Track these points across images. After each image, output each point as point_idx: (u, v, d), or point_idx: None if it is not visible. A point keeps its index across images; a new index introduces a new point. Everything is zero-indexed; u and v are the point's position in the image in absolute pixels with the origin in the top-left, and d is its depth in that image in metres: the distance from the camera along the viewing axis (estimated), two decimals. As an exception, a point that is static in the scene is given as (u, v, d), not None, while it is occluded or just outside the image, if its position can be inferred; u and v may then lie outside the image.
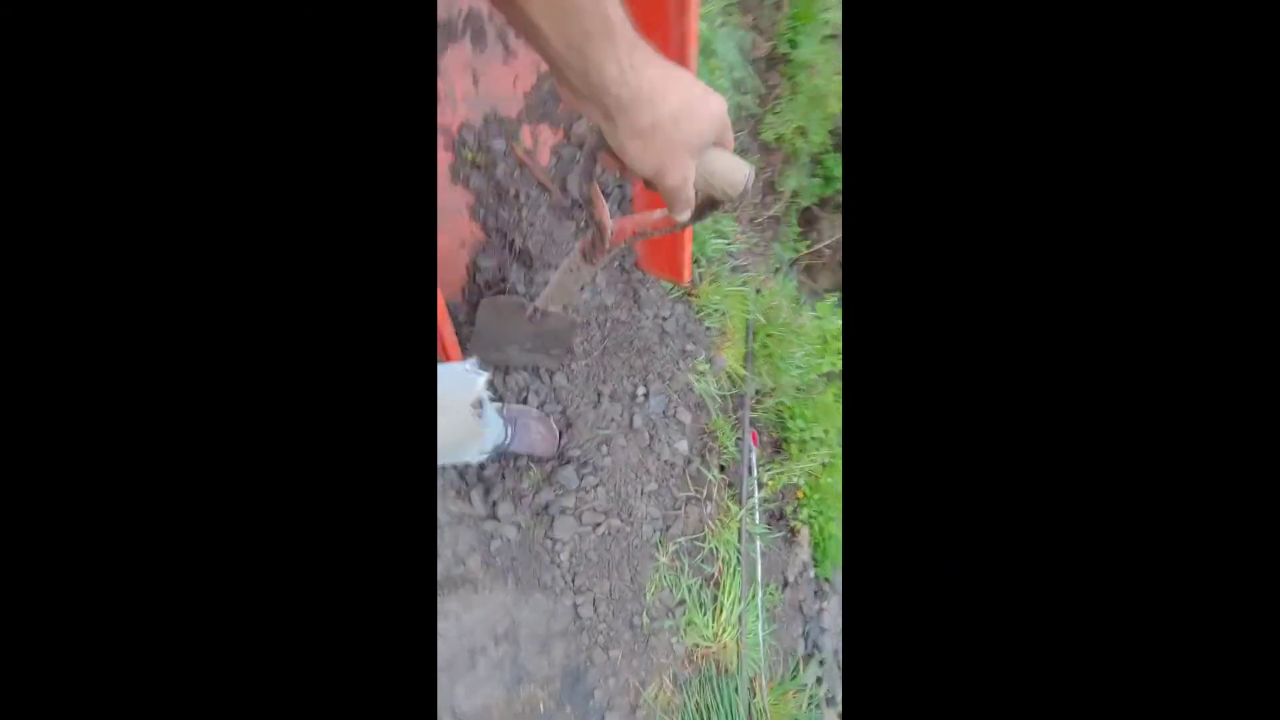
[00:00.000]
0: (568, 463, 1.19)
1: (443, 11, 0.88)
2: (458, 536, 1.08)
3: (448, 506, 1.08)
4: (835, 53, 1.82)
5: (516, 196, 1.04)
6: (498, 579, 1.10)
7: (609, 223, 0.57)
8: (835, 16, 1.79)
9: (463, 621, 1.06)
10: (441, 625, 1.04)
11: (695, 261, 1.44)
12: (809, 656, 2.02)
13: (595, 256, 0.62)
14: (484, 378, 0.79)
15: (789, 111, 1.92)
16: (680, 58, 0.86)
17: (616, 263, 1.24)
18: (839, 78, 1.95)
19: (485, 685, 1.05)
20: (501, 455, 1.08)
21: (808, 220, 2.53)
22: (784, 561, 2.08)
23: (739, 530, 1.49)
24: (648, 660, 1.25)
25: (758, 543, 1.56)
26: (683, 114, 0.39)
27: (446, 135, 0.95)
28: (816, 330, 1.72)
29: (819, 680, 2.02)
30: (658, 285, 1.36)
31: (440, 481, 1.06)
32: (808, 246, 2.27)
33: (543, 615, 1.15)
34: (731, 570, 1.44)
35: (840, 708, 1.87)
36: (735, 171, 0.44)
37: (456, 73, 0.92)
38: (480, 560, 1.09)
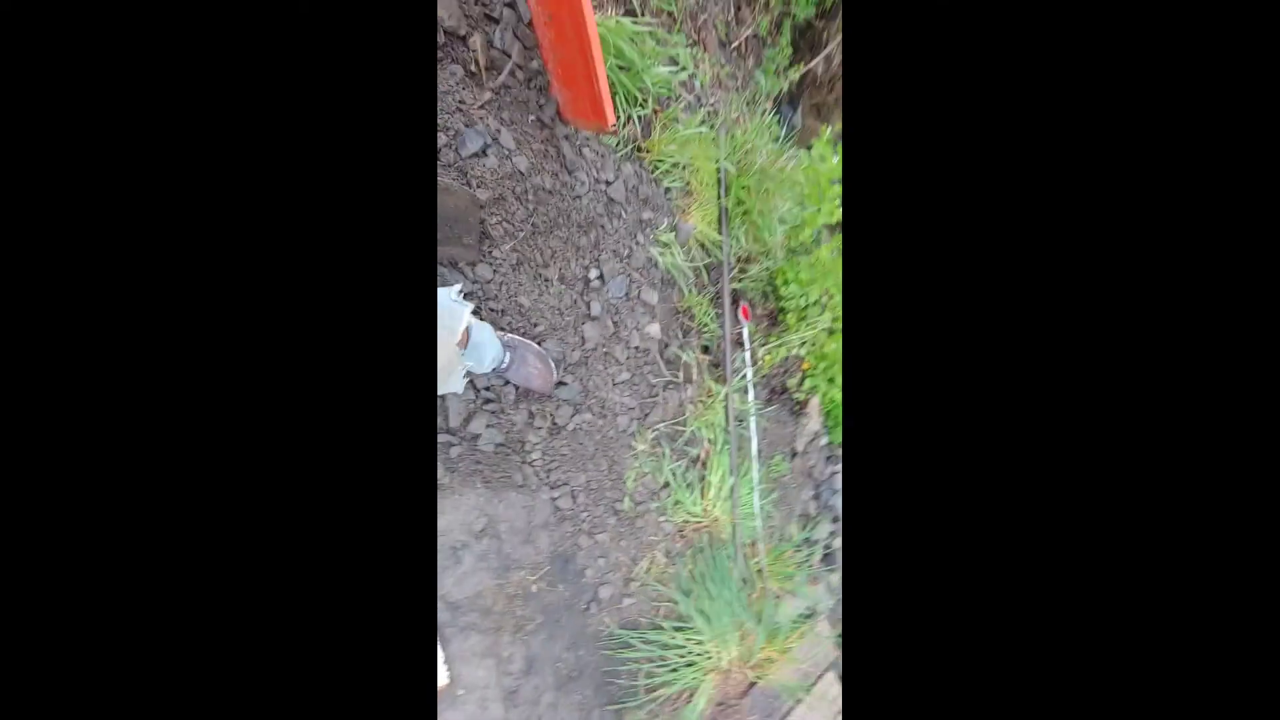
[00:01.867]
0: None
1: None
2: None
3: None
4: None
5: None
6: (465, 483, 1.08)
7: None
8: None
9: (438, 523, 1.07)
10: (415, 530, 1.05)
11: (637, 103, 1.16)
12: (817, 517, 2.08)
13: None
14: (470, 307, 0.76)
15: None
16: None
17: (531, 116, 1.00)
18: None
19: (474, 575, 1.10)
20: (496, 379, 1.04)
21: (804, 35, 2.02)
22: (792, 434, 2.05)
23: (725, 410, 1.41)
24: (636, 540, 1.28)
25: (752, 421, 1.48)
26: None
27: None
28: (809, 175, 1.44)
29: (832, 534, 2.10)
30: (592, 141, 1.12)
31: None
32: (798, 72, 1.84)
33: (521, 511, 1.15)
34: (719, 449, 1.40)
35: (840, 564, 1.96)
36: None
37: None
38: (443, 468, 1.06)
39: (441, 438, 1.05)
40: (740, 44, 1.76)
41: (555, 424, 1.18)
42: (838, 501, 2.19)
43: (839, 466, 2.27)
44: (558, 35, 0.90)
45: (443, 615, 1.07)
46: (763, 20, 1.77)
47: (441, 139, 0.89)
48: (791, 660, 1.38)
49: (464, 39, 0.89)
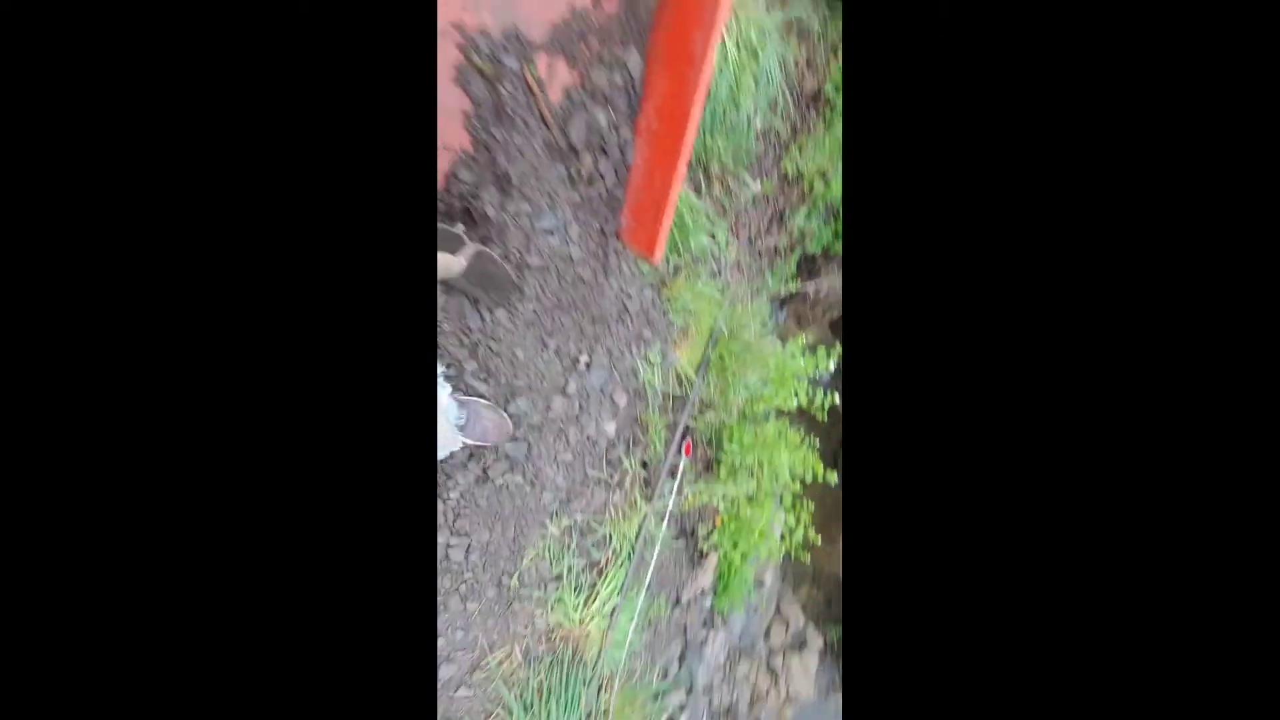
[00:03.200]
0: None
1: None
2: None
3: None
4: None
5: (514, 119, 1.02)
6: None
7: None
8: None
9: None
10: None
11: (676, 253, 1.44)
12: (674, 681, 1.98)
13: None
14: (449, 388, 0.81)
15: (816, 153, 1.95)
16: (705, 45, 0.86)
17: (598, 224, 1.23)
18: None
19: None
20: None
21: (808, 266, 2.57)
22: (681, 580, 2.05)
23: (639, 528, 1.46)
24: (503, 625, 1.21)
25: (656, 547, 1.53)
26: None
27: (463, 34, 0.93)
28: (778, 364, 1.73)
29: (681, 708, 1.99)
30: (631, 262, 1.35)
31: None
32: (797, 288, 2.30)
33: (410, 544, 1.10)
34: (619, 562, 1.42)
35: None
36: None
37: (488, -19, 0.91)
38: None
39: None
40: (762, 248, 2.21)
41: (485, 473, 1.19)
42: (700, 672, 2.12)
43: (710, 635, 2.24)
44: (645, 183, 1.16)
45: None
46: (783, 239, 2.26)
47: (527, 207, 1.07)
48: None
49: (578, 153, 1.14)
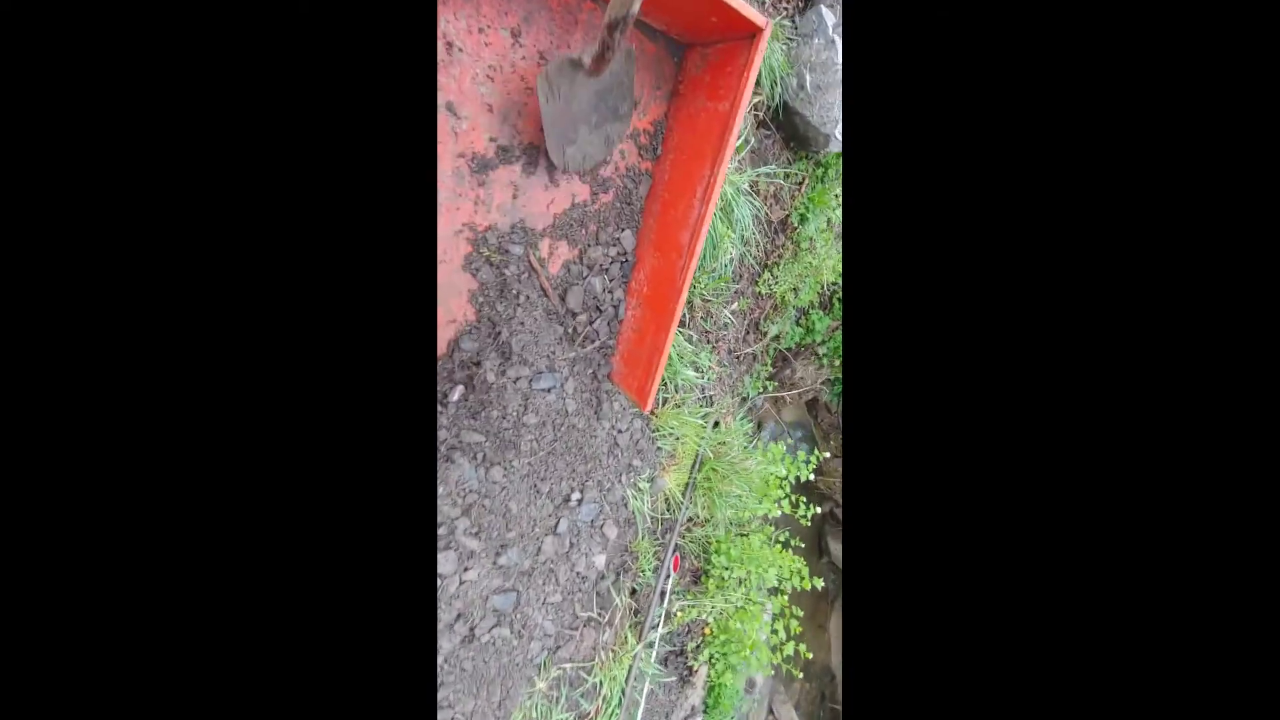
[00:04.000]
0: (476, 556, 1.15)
1: (506, 137, 0.99)
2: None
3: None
4: (835, 242, 2.07)
5: (517, 296, 1.10)
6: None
7: None
8: (837, 216, 2.06)
9: None
10: None
11: (663, 387, 1.52)
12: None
13: None
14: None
15: (786, 274, 2.13)
16: (718, 164, 0.97)
17: (591, 372, 1.30)
18: (834, 258, 2.19)
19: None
20: None
21: (782, 360, 2.73)
22: (672, 702, 1.96)
23: (630, 668, 1.42)
24: (489, 801, 1.13)
25: (646, 683, 1.48)
26: None
27: (474, 231, 1.03)
28: (761, 474, 1.79)
29: None
30: (622, 399, 1.41)
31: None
32: (774, 387, 2.43)
33: (393, 723, 1.04)
34: (609, 713, 1.36)
35: None
36: None
37: (500, 186, 1.02)
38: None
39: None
40: (741, 354, 2.34)
41: (473, 632, 1.16)
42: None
43: (703, 758, 2.11)
44: (637, 339, 1.25)
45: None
46: (759, 345, 2.40)
47: (526, 371, 1.14)
48: None
49: (574, 314, 1.23)
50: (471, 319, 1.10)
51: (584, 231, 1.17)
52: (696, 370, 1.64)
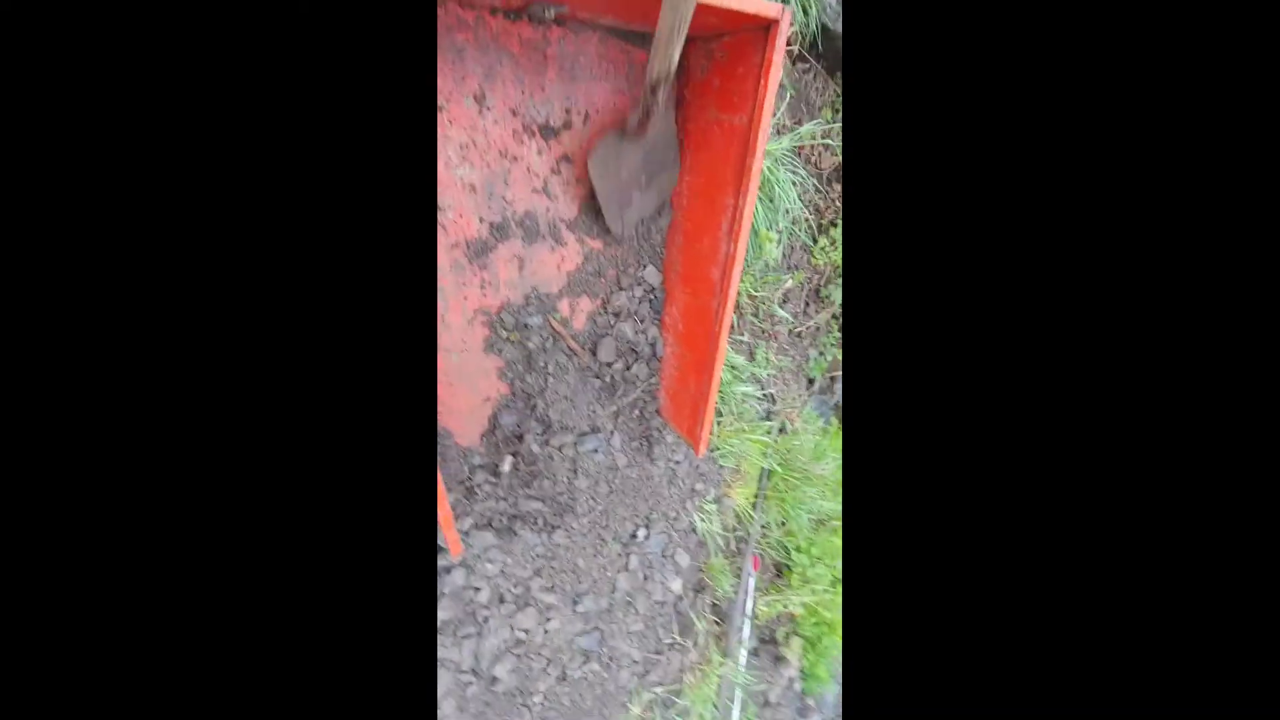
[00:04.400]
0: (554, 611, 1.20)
1: (496, 213, 0.90)
2: (439, 679, 1.10)
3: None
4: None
5: (545, 367, 1.05)
6: (469, 723, 1.12)
7: None
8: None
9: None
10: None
11: (720, 404, 1.42)
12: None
13: None
14: None
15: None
16: (743, 194, 0.84)
17: (636, 412, 1.24)
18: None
19: (439, 830, 1.07)
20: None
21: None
22: (768, 682, 2.03)
23: (718, 685, 1.46)
24: (603, 816, 1.25)
25: (737, 694, 1.52)
26: None
27: (487, 315, 0.97)
28: (835, 475, 1.66)
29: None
30: (674, 432, 1.35)
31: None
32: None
33: (507, 762, 1.16)
34: (705, 728, 1.42)
35: None
36: None
37: (504, 263, 0.94)
38: (454, 704, 1.11)
39: (464, 676, 1.11)
40: (802, 332, 2.13)
41: (565, 672, 1.24)
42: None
43: (806, 724, 2.19)
44: (680, 379, 1.16)
45: None
46: (822, 314, 2.17)
47: (569, 437, 1.10)
48: None
49: (609, 365, 1.15)
50: (505, 393, 1.08)
51: (603, 280, 1.07)
52: (756, 382, 1.52)
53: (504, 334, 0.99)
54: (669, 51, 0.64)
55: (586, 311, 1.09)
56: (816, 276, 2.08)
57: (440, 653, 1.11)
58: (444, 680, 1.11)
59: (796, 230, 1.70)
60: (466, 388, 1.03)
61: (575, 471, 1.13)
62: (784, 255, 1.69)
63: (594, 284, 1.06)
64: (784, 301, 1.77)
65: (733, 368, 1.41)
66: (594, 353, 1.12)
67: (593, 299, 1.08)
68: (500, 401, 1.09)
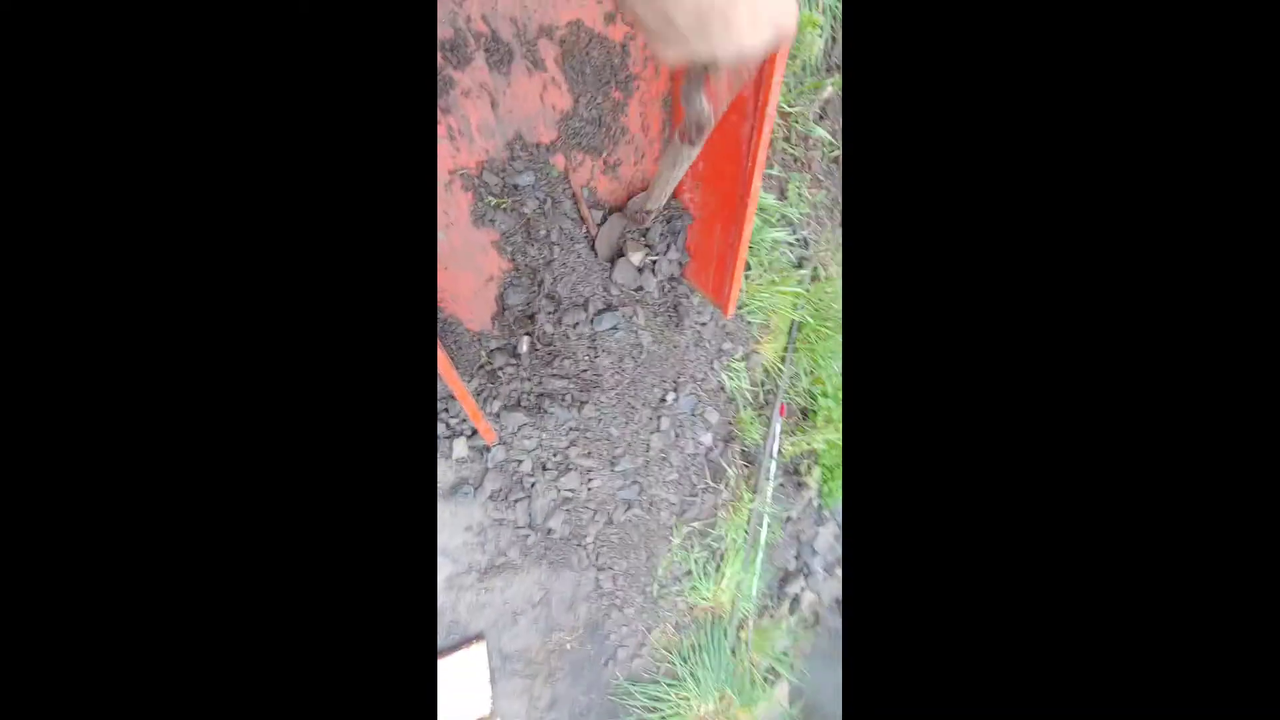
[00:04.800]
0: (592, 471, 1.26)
1: (445, 26, 0.63)
2: (499, 535, 1.23)
3: (489, 512, 1.20)
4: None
5: (548, 236, 0.89)
6: (534, 564, 1.28)
7: (709, 109, 0.51)
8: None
9: (505, 594, 1.28)
10: (486, 598, 1.26)
11: (750, 254, 1.27)
12: (798, 572, 2.36)
13: (698, 139, 0.58)
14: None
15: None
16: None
17: (656, 281, 1.11)
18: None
19: (525, 634, 1.32)
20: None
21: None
22: (790, 502, 2.28)
23: (749, 515, 1.61)
24: (655, 615, 1.51)
25: (764, 526, 1.70)
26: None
27: (464, 177, 0.78)
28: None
29: (798, 596, 2.39)
30: (700, 295, 1.24)
31: (483, 494, 1.17)
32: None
33: (571, 586, 1.36)
34: (737, 549, 1.62)
35: (818, 627, 2.26)
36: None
37: (471, 100, 0.71)
38: (519, 551, 1.25)
39: (521, 530, 1.23)
40: (839, 155, 1.81)
41: (611, 519, 1.37)
42: (813, 561, 2.47)
43: (822, 528, 2.53)
44: (705, 231, 1.00)
45: (494, 662, 1.30)
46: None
47: (583, 315, 1.01)
48: (752, 717, 1.68)
49: (645, 232, 0.99)
50: (508, 268, 0.95)
51: (605, 132, 0.84)
52: (788, 225, 1.32)
53: (492, 201, 0.82)
54: (664, 192, 0.71)
55: (590, 167, 0.89)
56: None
57: (497, 514, 1.21)
58: (505, 536, 1.24)
59: (828, 21, 1.30)
60: (465, 268, 0.91)
61: (596, 350, 1.06)
62: (824, 50, 1.32)
63: (594, 136, 0.84)
64: (821, 117, 1.45)
65: (761, 210, 1.21)
66: (604, 221, 0.95)
67: (595, 156, 0.87)
68: (504, 279, 0.97)
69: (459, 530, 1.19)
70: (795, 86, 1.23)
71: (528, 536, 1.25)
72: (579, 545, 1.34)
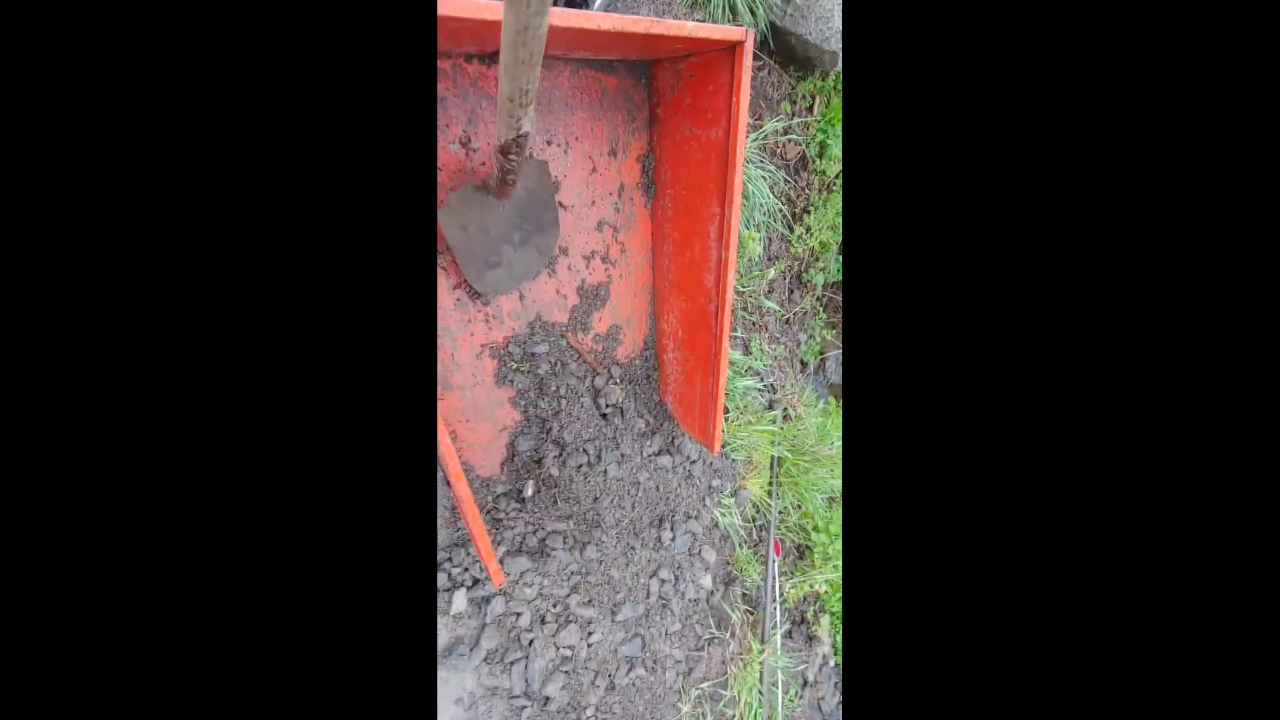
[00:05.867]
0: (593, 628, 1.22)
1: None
2: (492, 708, 1.12)
3: (483, 677, 1.12)
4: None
5: (557, 390, 1.08)
6: (528, 747, 1.13)
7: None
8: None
9: (494, 793, 1.10)
10: (474, 799, 1.08)
11: (725, 411, 1.46)
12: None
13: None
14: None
15: (819, 222, 1.93)
16: (728, 203, 0.88)
17: (643, 420, 1.27)
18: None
19: None
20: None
21: (838, 308, 2.53)
22: (804, 662, 2.07)
23: (760, 671, 1.50)
24: (669, 815, 1.28)
25: (779, 677, 1.56)
26: None
27: (493, 349, 1.00)
28: (839, 452, 1.72)
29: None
30: (685, 436, 1.39)
31: (478, 655, 1.11)
32: (834, 334, 2.28)
33: (570, 778, 1.18)
34: (753, 713, 1.46)
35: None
36: None
37: (505, 296, 0.97)
38: (512, 730, 1.13)
39: (517, 700, 1.13)
40: (790, 317, 2.19)
41: (613, 682, 1.26)
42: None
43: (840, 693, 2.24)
44: (687, 383, 1.20)
45: None
46: (807, 299, 2.23)
47: (585, 458, 1.13)
48: None
49: (599, 390, 1.18)
50: (520, 419, 1.10)
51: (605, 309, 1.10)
52: (755, 375, 1.56)
53: (513, 365, 1.02)
54: (513, 114, 0.58)
55: (594, 333, 1.12)
56: (796, 264, 2.15)
57: (491, 681, 1.13)
58: (499, 709, 1.13)
59: (773, 222, 1.76)
60: (483, 420, 1.06)
61: (598, 490, 1.16)
62: (764, 248, 1.75)
63: (589, 315, 1.09)
64: (769, 292, 1.83)
65: (731, 364, 1.46)
66: (610, 373, 1.15)
67: (586, 332, 1.11)
68: (516, 428, 1.11)
69: (449, 704, 1.09)
70: (746, 274, 1.60)
71: (524, 709, 1.14)
72: (578, 719, 1.21)
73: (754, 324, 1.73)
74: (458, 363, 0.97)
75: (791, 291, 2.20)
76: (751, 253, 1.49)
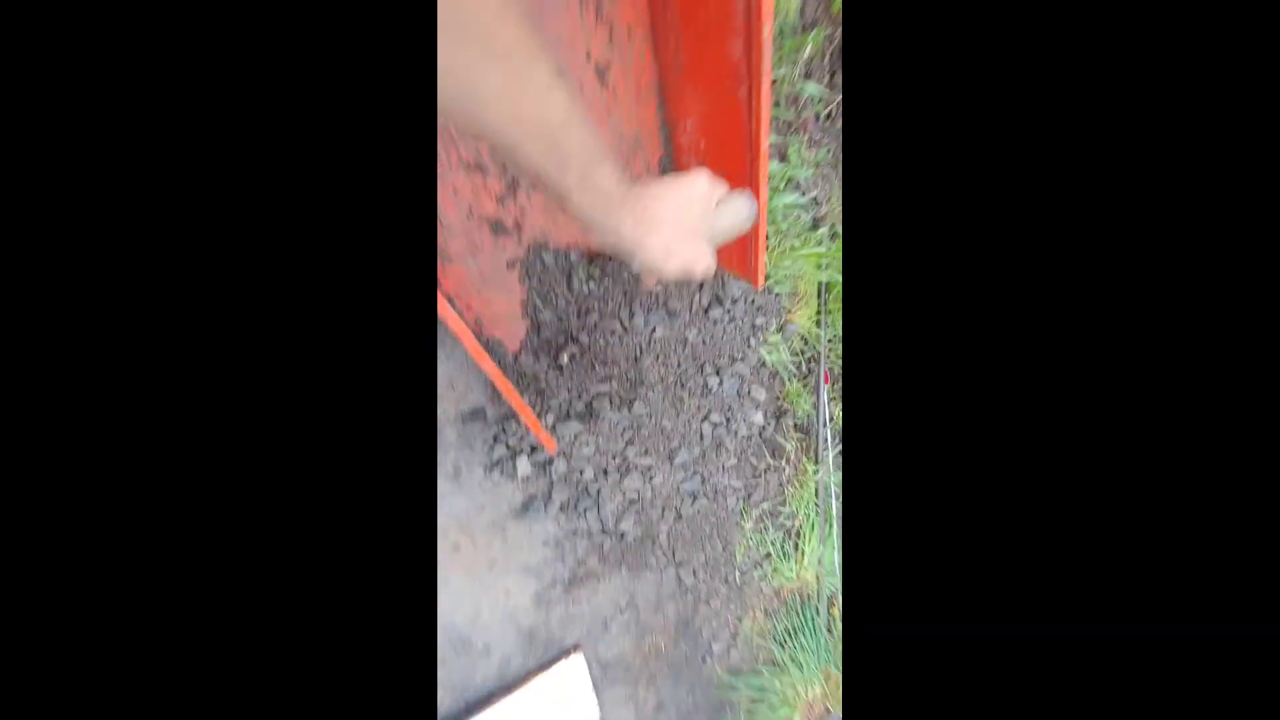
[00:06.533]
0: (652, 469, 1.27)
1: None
2: (576, 545, 1.25)
3: (562, 524, 1.23)
4: None
5: (569, 278, 0.93)
6: (613, 570, 1.29)
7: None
8: None
9: (592, 603, 1.29)
10: (575, 609, 1.28)
11: (768, 223, 1.27)
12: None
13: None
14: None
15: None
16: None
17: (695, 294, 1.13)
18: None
19: (619, 640, 1.33)
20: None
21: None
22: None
23: (815, 487, 1.58)
24: (742, 603, 1.49)
25: (833, 490, 1.65)
26: (680, 209, 0.44)
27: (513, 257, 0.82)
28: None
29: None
30: (721, 274, 1.24)
31: (553, 507, 1.20)
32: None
33: (653, 587, 1.37)
34: (811, 523, 1.58)
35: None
36: (740, 216, 0.53)
37: (535, 212, 0.76)
38: (597, 559, 1.27)
39: (597, 537, 1.25)
40: (832, 109, 1.79)
41: (679, 513, 1.37)
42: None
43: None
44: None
45: (595, 671, 1.31)
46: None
47: (618, 325, 1.03)
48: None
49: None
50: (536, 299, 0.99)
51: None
52: (796, 188, 1.31)
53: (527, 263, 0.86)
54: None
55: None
56: (838, 30, 1.66)
57: (570, 525, 1.24)
58: (581, 545, 1.26)
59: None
60: (498, 290, 0.95)
61: (638, 350, 1.08)
62: (800, 7, 1.32)
63: None
64: (807, 75, 1.44)
65: (771, 183, 1.21)
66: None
67: None
68: (534, 299, 1.01)
69: (537, 546, 1.22)
70: (777, 50, 1.23)
71: (604, 543, 1.26)
72: (654, 544, 1.34)
73: (789, 123, 1.40)
74: (450, 230, 0.83)
75: (833, 73, 1.75)
76: (787, 8, 1.11)
